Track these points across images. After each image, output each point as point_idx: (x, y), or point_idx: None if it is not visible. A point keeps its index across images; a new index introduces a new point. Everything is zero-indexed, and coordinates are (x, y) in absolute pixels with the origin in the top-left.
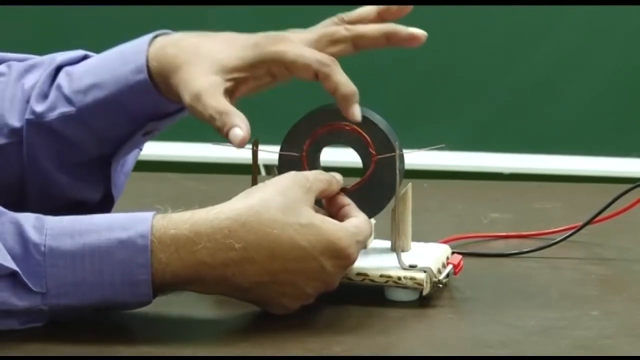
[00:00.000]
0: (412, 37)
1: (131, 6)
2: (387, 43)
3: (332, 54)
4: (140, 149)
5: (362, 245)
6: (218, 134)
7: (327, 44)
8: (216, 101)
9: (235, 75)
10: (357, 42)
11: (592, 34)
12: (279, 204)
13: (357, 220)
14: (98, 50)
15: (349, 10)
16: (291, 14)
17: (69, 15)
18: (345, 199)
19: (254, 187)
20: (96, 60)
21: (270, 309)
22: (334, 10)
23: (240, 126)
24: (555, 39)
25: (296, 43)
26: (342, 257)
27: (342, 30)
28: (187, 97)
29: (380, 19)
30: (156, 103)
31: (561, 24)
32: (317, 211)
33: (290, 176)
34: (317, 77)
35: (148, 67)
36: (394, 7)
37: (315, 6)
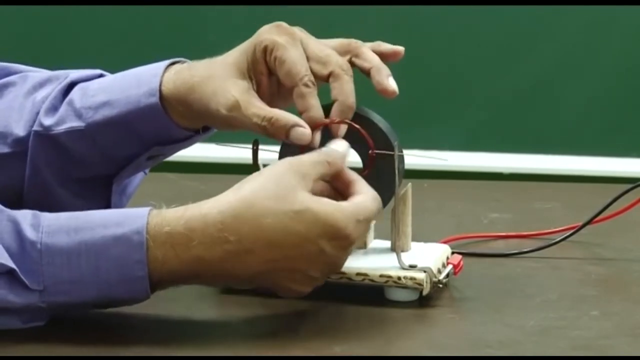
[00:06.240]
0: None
1: (131, 6)
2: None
3: (311, 69)
4: (145, 173)
5: (366, 223)
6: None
7: (315, 59)
8: (258, 108)
9: (248, 70)
10: (330, 79)
11: (592, 34)
12: (270, 192)
13: (359, 198)
14: (99, 51)
15: (350, 9)
16: (292, 14)
17: (69, 15)
18: (350, 175)
19: (246, 178)
20: (111, 79)
21: (280, 294)
22: (335, 11)
23: (298, 123)
24: (555, 39)
25: (297, 45)
26: (340, 237)
27: (333, 59)
28: (223, 110)
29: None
30: (164, 128)
31: (561, 24)
32: (321, 192)
33: (285, 162)
34: (294, 89)
35: (161, 91)
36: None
37: (315, 6)
